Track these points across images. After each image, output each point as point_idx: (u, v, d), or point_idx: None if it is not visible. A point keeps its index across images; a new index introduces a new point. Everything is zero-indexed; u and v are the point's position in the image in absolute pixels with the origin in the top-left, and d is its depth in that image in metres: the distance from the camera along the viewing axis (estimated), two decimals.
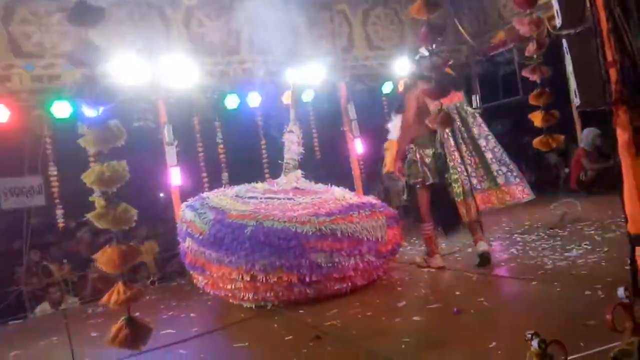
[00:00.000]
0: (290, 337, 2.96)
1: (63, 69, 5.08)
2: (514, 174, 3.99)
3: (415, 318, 2.96)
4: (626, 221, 2.30)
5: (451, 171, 3.95)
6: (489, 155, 3.99)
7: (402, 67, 4.78)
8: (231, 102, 5.99)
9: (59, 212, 5.34)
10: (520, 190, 3.95)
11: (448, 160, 3.95)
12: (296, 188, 4.45)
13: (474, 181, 3.93)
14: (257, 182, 4.65)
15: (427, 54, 3.98)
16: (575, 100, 2.40)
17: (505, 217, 5.48)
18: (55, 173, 5.31)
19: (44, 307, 5.06)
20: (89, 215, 2.22)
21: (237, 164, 6.24)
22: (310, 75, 6.03)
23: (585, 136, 6.29)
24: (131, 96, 5.04)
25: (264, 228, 3.54)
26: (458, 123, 4.01)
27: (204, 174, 6.00)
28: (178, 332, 3.33)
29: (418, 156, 4.07)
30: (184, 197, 4.93)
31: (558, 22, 2.40)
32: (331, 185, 4.56)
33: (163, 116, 5.56)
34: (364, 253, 3.66)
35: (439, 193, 4.09)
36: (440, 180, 4.04)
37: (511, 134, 8.38)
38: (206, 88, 5.79)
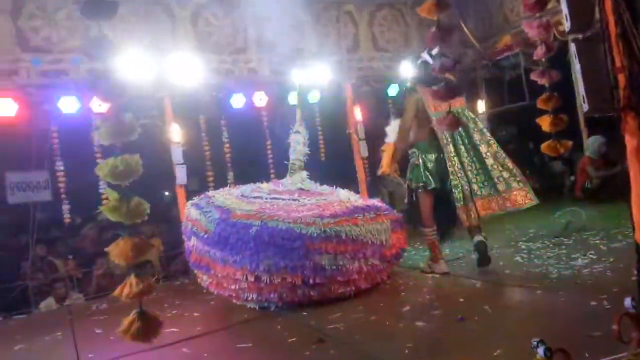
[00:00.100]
0: (294, 339, 2.96)
1: (70, 64, 5.11)
2: (517, 178, 3.98)
3: (419, 323, 2.95)
4: (633, 229, 2.28)
5: (451, 177, 3.96)
6: (489, 162, 3.99)
7: (407, 70, 4.79)
8: (237, 101, 6.01)
9: (65, 207, 5.37)
10: (522, 196, 3.94)
11: (448, 165, 3.97)
12: (301, 189, 4.45)
13: (475, 187, 3.94)
14: (262, 182, 4.65)
15: (429, 58, 4.06)
16: (584, 106, 2.39)
17: (510, 225, 5.45)
18: (62, 168, 5.34)
19: (49, 303, 5.08)
20: (103, 208, 2.24)
21: (243, 164, 6.25)
22: (316, 75, 6.04)
23: (591, 144, 6.26)
24: (137, 93, 5.06)
25: (269, 228, 3.54)
26: (459, 129, 4.01)
27: (210, 173, 6.01)
28: (181, 331, 3.34)
29: (420, 161, 4.08)
30: (189, 195, 4.96)
31: (567, 26, 2.38)
32: (336, 187, 4.56)
33: (169, 114, 5.58)
34: (368, 256, 3.66)
35: (441, 198, 4.10)
36: (442, 186, 4.05)
37: (517, 139, 8.37)
38: (212, 87, 5.80)
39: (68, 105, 5.12)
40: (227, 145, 6.14)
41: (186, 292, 4.71)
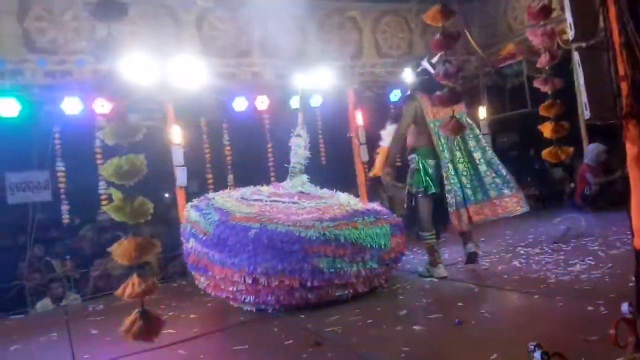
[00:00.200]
0: (290, 341, 2.95)
1: (76, 65, 5.14)
2: (510, 184, 4.11)
3: (416, 327, 2.94)
4: (632, 236, 2.28)
5: (445, 182, 4.04)
6: (482, 168, 4.09)
7: (408, 77, 4.83)
8: (239, 104, 6.03)
9: (65, 208, 5.37)
10: (515, 202, 4.07)
11: (443, 171, 4.04)
12: (301, 192, 4.45)
13: (469, 192, 4.04)
14: (262, 185, 4.66)
15: (429, 67, 4.12)
16: (586, 113, 2.40)
17: (509, 230, 5.45)
18: (63, 169, 5.35)
19: (45, 303, 5.07)
20: (106, 208, 2.23)
21: (243, 166, 6.26)
22: (319, 80, 6.06)
23: (590, 151, 6.28)
24: (139, 96, 5.08)
25: (268, 231, 3.54)
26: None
27: (210, 175, 6.02)
28: (178, 333, 3.33)
29: (421, 165, 4.13)
30: (188, 197, 4.96)
31: (571, 34, 2.40)
32: (336, 191, 4.57)
33: (171, 116, 5.60)
34: (366, 260, 3.65)
35: (437, 201, 4.14)
36: (442, 190, 4.10)
37: (518, 146, 8.38)
38: (215, 90, 5.82)
39: (71, 106, 5.15)
40: (228, 147, 6.16)
41: (183, 293, 4.70)
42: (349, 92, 6.61)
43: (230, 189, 4.82)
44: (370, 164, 6.60)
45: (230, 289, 3.65)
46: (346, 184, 5.90)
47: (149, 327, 2.19)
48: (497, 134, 7.97)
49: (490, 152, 4.18)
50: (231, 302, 3.82)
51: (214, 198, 4.21)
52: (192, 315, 3.90)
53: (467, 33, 6.83)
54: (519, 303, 3.33)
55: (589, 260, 3.83)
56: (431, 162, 4.11)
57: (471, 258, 4.11)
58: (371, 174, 4.58)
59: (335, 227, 3.59)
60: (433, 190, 4.08)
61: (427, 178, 4.09)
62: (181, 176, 5.51)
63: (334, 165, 6.64)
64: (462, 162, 4.07)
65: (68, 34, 5.14)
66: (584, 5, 2.36)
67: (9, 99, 4.91)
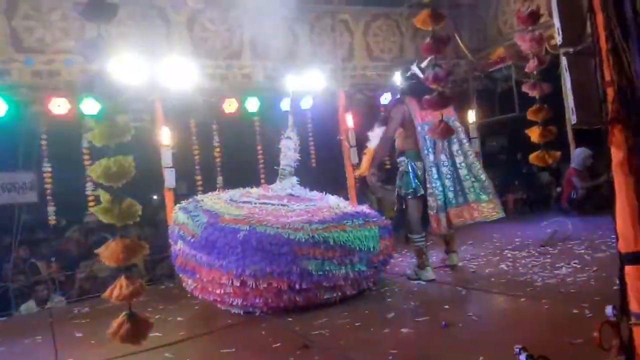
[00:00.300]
0: (278, 344, 2.94)
1: (63, 64, 5.08)
2: (488, 190, 4.19)
3: (404, 330, 2.94)
4: (617, 240, 2.31)
5: (427, 185, 4.09)
6: (463, 172, 4.16)
7: (397, 80, 4.87)
8: (229, 106, 6.01)
9: (51, 209, 5.30)
10: (490, 208, 4.16)
11: (426, 174, 4.10)
12: (291, 195, 4.45)
13: (450, 195, 4.10)
14: (251, 187, 4.64)
15: (418, 71, 4.17)
16: (572, 118, 2.43)
17: (497, 233, 5.50)
18: (49, 170, 5.28)
19: (30, 305, 5.00)
20: (94, 210, 2.20)
21: (233, 168, 6.23)
22: (310, 82, 6.06)
23: (577, 156, 6.37)
24: (128, 96, 5.03)
25: (257, 233, 3.53)
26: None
27: (199, 177, 5.98)
28: (164, 335, 3.29)
29: (410, 168, 4.17)
30: (177, 199, 4.92)
31: (559, 39, 2.43)
32: (326, 193, 4.57)
33: (160, 117, 5.56)
34: (355, 262, 3.65)
35: (425, 205, 4.17)
36: (426, 193, 4.15)
37: (506, 150, 8.46)
38: (205, 91, 5.80)
39: (58, 106, 5.08)
40: (218, 149, 6.12)
41: (170, 296, 4.66)
42: (340, 94, 6.63)
43: (219, 190, 4.79)
44: (359, 166, 6.64)
45: (218, 291, 3.62)
46: (336, 186, 5.90)
47: (137, 330, 2.17)
48: (486, 138, 8.04)
49: (472, 157, 4.25)
50: (219, 305, 3.79)
51: (202, 200, 4.18)
52: (179, 318, 3.86)
53: (457, 37, 6.89)
54: (506, 306, 3.35)
55: (574, 263, 3.88)
56: (419, 164, 4.16)
57: (451, 268, 4.28)
58: (357, 174, 4.62)
59: (324, 230, 3.59)
60: (422, 192, 4.13)
61: (417, 180, 4.14)
62: (170, 178, 5.46)
63: (324, 168, 6.63)
64: (446, 166, 4.13)
65: (56, 33, 5.08)
66: (571, 11, 2.39)
67: None
